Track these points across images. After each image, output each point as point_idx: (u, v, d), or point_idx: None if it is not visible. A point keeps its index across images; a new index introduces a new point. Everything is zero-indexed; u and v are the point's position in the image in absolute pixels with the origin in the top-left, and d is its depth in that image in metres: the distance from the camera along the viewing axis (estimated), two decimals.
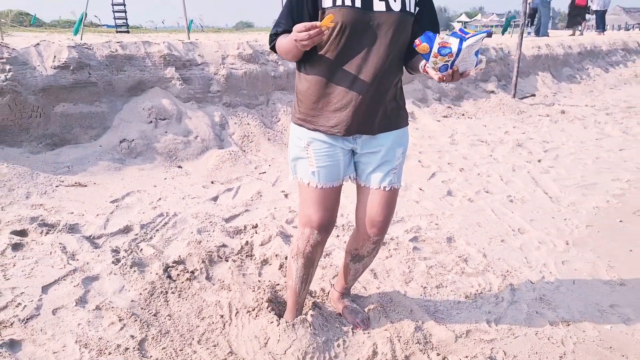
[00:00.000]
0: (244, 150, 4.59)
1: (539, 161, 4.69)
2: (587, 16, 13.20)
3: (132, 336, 1.98)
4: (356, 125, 1.70)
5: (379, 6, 1.59)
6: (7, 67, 3.80)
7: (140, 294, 2.27)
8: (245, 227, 3.06)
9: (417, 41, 1.45)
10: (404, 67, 1.78)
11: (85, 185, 3.61)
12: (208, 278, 2.47)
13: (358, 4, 1.58)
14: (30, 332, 1.98)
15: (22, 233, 2.77)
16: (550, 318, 2.22)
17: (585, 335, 2.11)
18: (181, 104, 4.69)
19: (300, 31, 1.46)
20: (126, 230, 2.93)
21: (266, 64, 5.46)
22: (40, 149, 3.86)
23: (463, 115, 6.76)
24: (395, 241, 2.90)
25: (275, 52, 1.74)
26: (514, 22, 12.23)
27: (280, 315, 2.06)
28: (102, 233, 2.86)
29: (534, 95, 8.18)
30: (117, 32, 11.91)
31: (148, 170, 4.01)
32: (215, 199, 3.55)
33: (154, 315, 2.14)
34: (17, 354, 1.85)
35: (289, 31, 1.59)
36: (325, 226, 1.83)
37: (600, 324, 2.19)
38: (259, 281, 2.42)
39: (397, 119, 1.79)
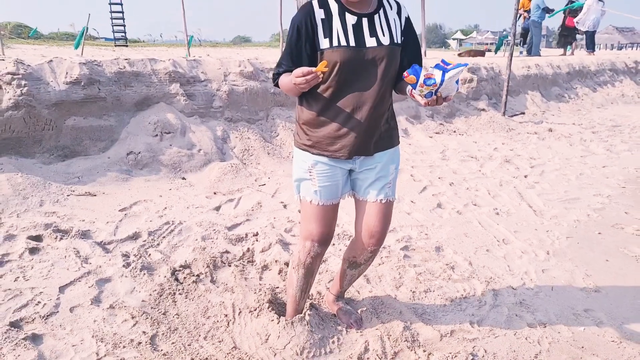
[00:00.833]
0: (245, 163, 4.79)
1: (525, 177, 4.87)
2: (578, 36, 13.55)
3: (144, 332, 2.16)
4: (356, 149, 1.88)
5: (370, 42, 1.78)
6: (23, 82, 4.01)
7: (150, 294, 2.45)
8: (246, 235, 3.25)
9: (405, 73, 1.65)
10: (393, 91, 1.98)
11: (95, 195, 3.79)
12: (212, 281, 2.65)
13: (352, 42, 1.76)
14: (51, 327, 2.16)
15: (38, 238, 2.96)
16: (528, 320, 2.39)
17: (560, 336, 2.27)
18: (185, 119, 4.90)
19: (298, 76, 1.66)
20: (135, 236, 3.11)
21: (266, 81, 5.69)
22: (52, 160, 4.05)
23: (454, 132, 6.94)
24: (387, 249, 3.09)
25: (279, 88, 1.92)
26: (507, 41, 12.56)
27: (280, 315, 2.23)
28: (112, 239, 3.05)
29: (523, 113, 8.38)
30: (115, 45, 12.02)
31: (154, 181, 4.20)
32: (217, 208, 3.74)
33: (163, 314, 2.32)
34: (39, 347, 2.03)
35: (290, 70, 1.78)
36: (325, 239, 2.01)
37: (575, 326, 2.36)
38: (260, 284, 2.61)
39: (389, 139, 1.99)
